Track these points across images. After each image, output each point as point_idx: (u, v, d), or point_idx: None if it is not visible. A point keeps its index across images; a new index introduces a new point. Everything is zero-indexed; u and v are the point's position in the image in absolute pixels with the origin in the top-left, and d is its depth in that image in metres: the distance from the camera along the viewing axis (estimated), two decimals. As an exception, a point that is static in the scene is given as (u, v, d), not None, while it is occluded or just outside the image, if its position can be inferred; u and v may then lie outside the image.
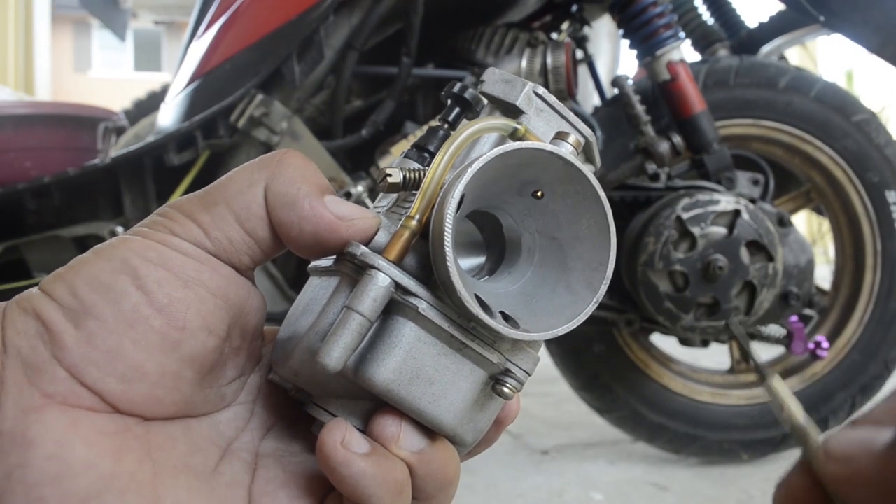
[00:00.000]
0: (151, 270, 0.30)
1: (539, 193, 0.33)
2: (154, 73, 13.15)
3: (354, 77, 1.33)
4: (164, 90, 1.70)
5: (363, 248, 0.31)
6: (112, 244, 0.31)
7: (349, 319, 0.29)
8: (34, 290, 0.30)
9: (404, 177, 0.33)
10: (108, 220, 1.30)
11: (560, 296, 0.32)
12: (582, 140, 0.33)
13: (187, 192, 1.31)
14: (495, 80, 0.36)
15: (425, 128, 1.23)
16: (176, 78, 1.41)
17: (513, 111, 0.35)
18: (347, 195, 1.23)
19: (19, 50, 6.12)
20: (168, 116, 1.36)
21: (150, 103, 1.80)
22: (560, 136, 0.32)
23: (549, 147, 0.30)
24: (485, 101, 0.37)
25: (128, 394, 0.29)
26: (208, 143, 1.25)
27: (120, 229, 1.28)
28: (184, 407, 0.31)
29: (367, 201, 1.24)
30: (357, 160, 1.37)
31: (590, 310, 0.31)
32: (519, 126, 0.33)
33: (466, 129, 0.32)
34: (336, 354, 0.28)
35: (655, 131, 1.34)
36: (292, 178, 0.32)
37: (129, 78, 13.29)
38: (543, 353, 1.40)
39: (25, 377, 0.27)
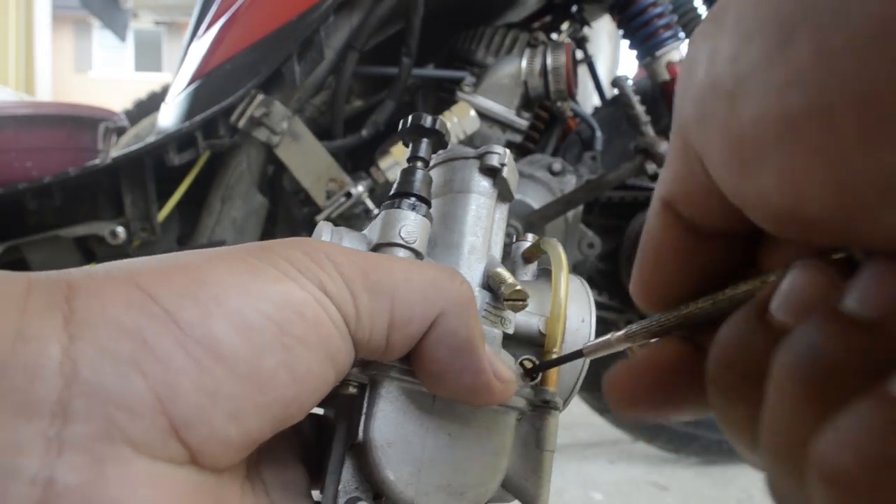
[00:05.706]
0: (307, 330, 0.24)
1: None
2: (154, 73, 13.15)
3: (354, 77, 1.33)
4: (164, 90, 1.70)
5: (550, 391, 0.33)
6: (254, 271, 0.24)
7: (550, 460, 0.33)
8: (136, 292, 0.22)
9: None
10: (109, 220, 1.30)
11: None
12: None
13: (188, 192, 1.31)
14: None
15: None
16: (176, 78, 1.41)
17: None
18: (348, 195, 1.23)
19: (20, 50, 6.12)
20: (168, 117, 1.36)
21: (151, 104, 1.80)
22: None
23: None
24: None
25: (220, 458, 0.23)
26: (209, 144, 1.25)
27: (120, 229, 1.28)
28: None
29: (368, 201, 1.24)
30: (357, 160, 1.37)
31: None
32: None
33: (559, 282, 0.34)
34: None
35: (655, 131, 1.34)
36: (467, 317, 0.28)
37: (130, 78, 13.28)
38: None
39: (105, 416, 0.20)
